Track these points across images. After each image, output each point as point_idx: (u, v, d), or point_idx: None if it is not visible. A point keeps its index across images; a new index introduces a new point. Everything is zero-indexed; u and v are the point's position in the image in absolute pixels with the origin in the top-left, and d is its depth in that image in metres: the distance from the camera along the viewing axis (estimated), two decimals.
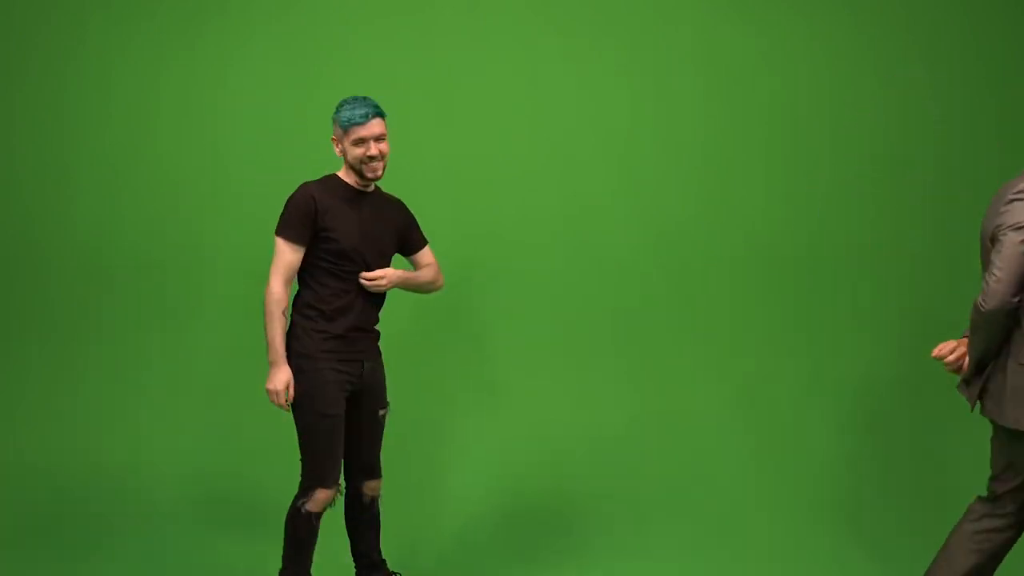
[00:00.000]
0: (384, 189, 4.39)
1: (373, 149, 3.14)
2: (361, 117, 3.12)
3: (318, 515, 3.15)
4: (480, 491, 4.14)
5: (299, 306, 3.17)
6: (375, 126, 3.15)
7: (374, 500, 3.38)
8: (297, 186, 3.31)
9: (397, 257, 4.16)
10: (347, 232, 3.13)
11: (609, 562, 3.74)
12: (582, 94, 4.36)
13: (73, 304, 4.28)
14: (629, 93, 4.37)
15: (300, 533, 3.15)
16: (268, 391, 3.08)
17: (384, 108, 4.32)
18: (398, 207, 3.36)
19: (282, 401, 3.06)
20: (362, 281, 3.16)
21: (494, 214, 4.35)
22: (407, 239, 3.38)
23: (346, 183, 3.22)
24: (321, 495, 3.13)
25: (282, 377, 3.07)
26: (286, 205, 3.12)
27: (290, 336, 3.14)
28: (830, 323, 4.38)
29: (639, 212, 4.38)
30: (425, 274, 3.40)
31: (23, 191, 4.28)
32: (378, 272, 3.18)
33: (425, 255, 3.43)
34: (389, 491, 4.05)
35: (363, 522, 3.38)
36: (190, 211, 4.28)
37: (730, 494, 4.09)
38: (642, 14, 4.36)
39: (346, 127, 3.13)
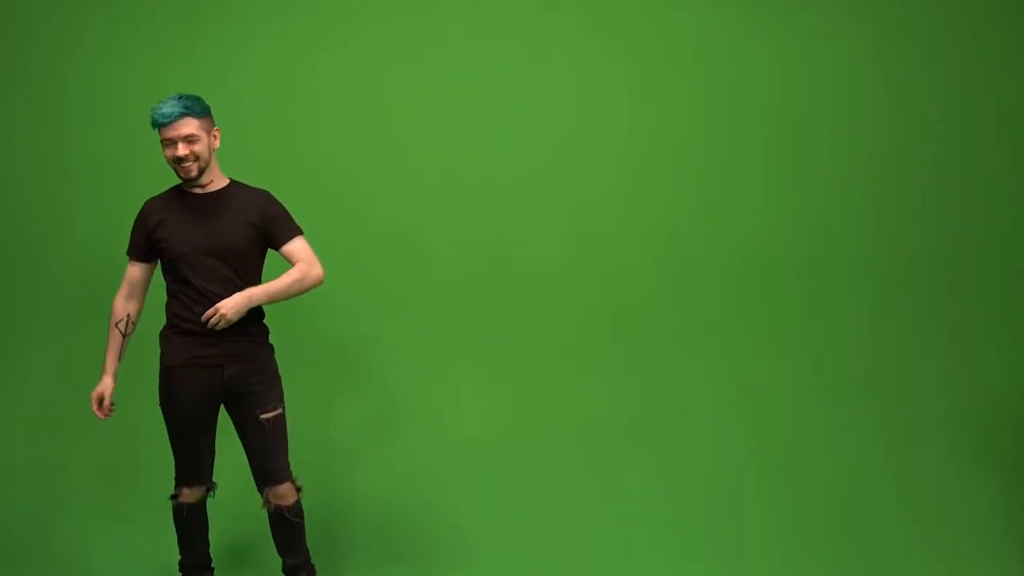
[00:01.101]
0: (384, 189, 4.39)
1: (181, 150, 3.02)
2: (164, 118, 3.00)
3: (191, 505, 3.28)
4: (478, 490, 4.14)
5: (166, 317, 3.20)
6: (183, 126, 3.00)
7: (279, 508, 3.23)
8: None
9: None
10: (177, 240, 3.10)
11: (609, 563, 3.74)
12: (582, 94, 4.36)
13: (73, 304, 4.28)
14: (629, 93, 4.37)
15: (178, 523, 3.31)
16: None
17: (384, 108, 4.32)
18: (256, 201, 3.17)
19: (95, 409, 3.20)
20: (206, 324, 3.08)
21: (494, 214, 4.35)
22: (267, 234, 3.16)
23: (184, 188, 3.18)
24: (186, 492, 3.27)
25: (97, 388, 3.22)
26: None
27: (160, 346, 3.22)
28: (830, 323, 4.38)
29: (639, 212, 4.38)
30: (285, 277, 3.14)
31: (23, 191, 4.28)
32: (211, 311, 3.03)
33: (294, 249, 3.17)
34: (387, 489, 4.05)
35: (273, 528, 3.30)
36: None
37: (730, 494, 4.09)
38: (642, 14, 4.36)
39: (155, 128, 3.04)
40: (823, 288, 4.37)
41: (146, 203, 3.21)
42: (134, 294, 3.23)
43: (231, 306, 3.04)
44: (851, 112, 4.38)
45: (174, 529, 3.35)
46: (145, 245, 3.17)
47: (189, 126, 3.02)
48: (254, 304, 3.10)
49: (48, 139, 4.28)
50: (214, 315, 3.04)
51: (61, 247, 4.28)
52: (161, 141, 3.06)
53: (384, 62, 4.31)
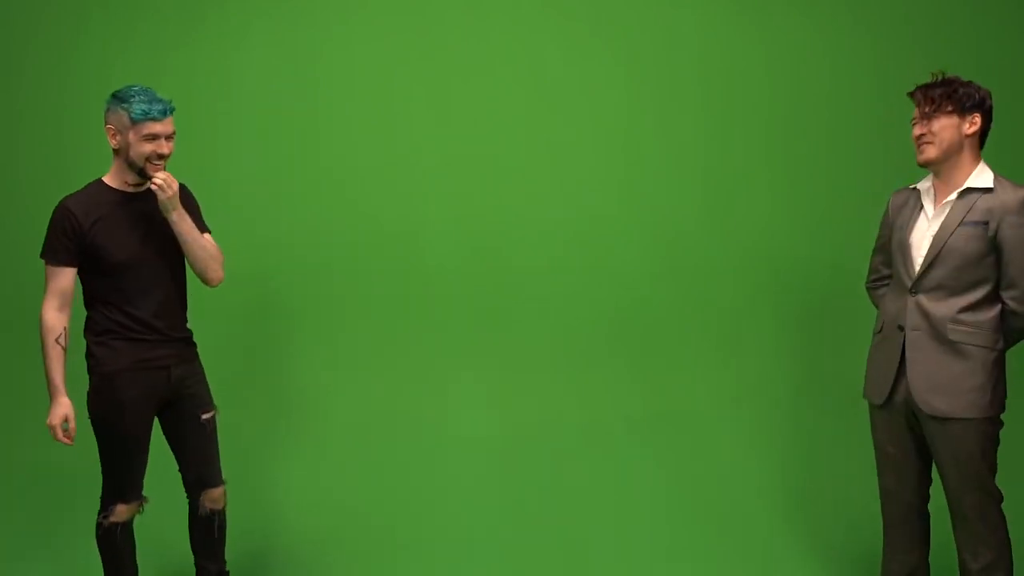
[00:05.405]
0: (384, 190, 4.39)
1: (165, 147, 2.93)
2: (159, 113, 2.89)
3: (123, 525, 3.08)
4: (480, 490, 4.14)
5: (90, 325, 3.00)
6: (169, 124, 2.93)
7: (213, 512, 3.20)
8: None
9: None
10: (121, 243, 2.93)
11: (609, 563, 3.74)
12: (583, 95, 4.36)
13: (73, 304, 4.27)
14: (629, 94, 4.37)
15: (110, 548, 3.09)
16: (48, 427, 2.93)
17: (384, 109, 4.33)
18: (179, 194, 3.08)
19: (60, 436, 2.93)
20: (155, 183, 2.89)
21: (494, 214, 4.35)
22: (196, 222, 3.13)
23: (111, 187, 2.98)
24: (121, 508, 3.06)
25: (59, 411, 2.92)
26: (48, 226, 2.93)
27: (87, 356, 2.99)
28: (830, 324, 4.38)
29: (639, 211, 4.38)
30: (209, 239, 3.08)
31: (23, 191, 4.28)
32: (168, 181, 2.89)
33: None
34: (387, 489, 4.05)
35: (201, 535, 3.21)
36: None
37: (731, 494, 4.09)
38: (642, 14, 4.36)
39: (139, 120, 2.88)
40: (823, 288, 4.37)
41: (64, 203, 2.91)
42: (66, 304, 2.96)
43: (174, 187, 2.91)
44: (851, 113, 4.39)
45: (102, 555, 3.12)
46: (76, 248, 2.91)
47: (172, 125, 2.96)
48: (180, 223, 2.97)
49: (48, 139, 4.28)
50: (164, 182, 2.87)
51: None
52: (142, 136, 2.89)
53: (384, 62, 4.31)
